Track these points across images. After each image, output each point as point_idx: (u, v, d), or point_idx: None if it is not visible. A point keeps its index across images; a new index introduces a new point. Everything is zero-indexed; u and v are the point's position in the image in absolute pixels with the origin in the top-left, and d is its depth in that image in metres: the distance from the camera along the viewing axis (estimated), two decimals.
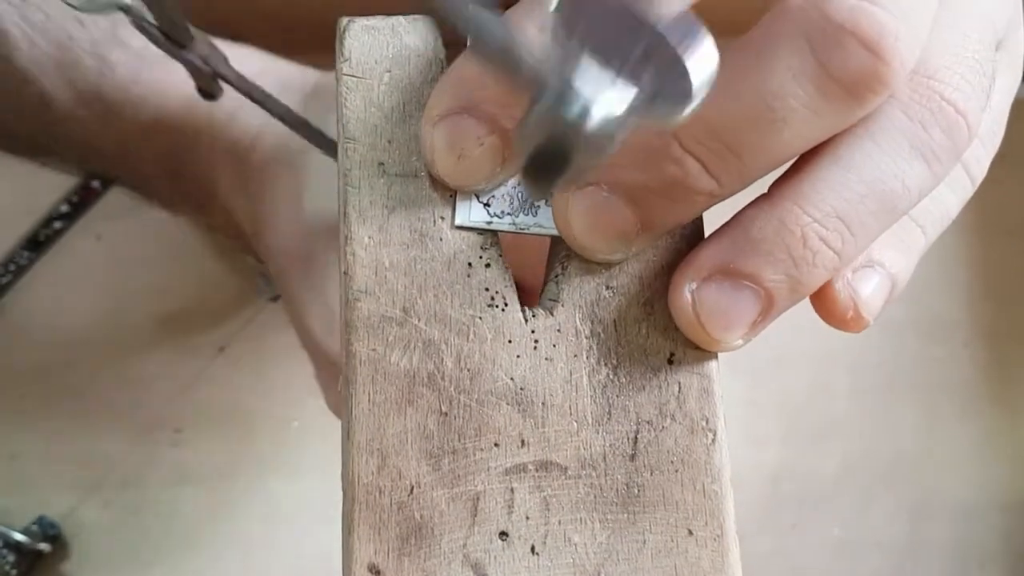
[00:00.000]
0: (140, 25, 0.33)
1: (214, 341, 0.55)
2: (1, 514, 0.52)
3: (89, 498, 0.53)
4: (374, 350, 0.25)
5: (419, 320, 0.25)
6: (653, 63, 0.19)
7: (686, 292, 0.24)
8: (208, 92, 0.37)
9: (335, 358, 0.40)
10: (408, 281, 0.25)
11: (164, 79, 0.41)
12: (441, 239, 0.25)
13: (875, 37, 0.22)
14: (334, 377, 0.41)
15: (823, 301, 0.25)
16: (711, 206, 0.24)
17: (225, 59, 0.35)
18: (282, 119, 0.35)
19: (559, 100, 0.19)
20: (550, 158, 0.20)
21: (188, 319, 0.55)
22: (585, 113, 0.19)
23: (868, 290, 0.25)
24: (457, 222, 0.25)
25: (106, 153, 0.44)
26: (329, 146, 0.36)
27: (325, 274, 0.39)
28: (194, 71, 0.35)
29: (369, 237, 0.25)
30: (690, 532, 0.24)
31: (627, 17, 0.19)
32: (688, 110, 0.20)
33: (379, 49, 0.26)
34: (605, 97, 0.19)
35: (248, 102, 0.37)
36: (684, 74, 0.19)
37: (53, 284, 0.54)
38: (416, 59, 0.26)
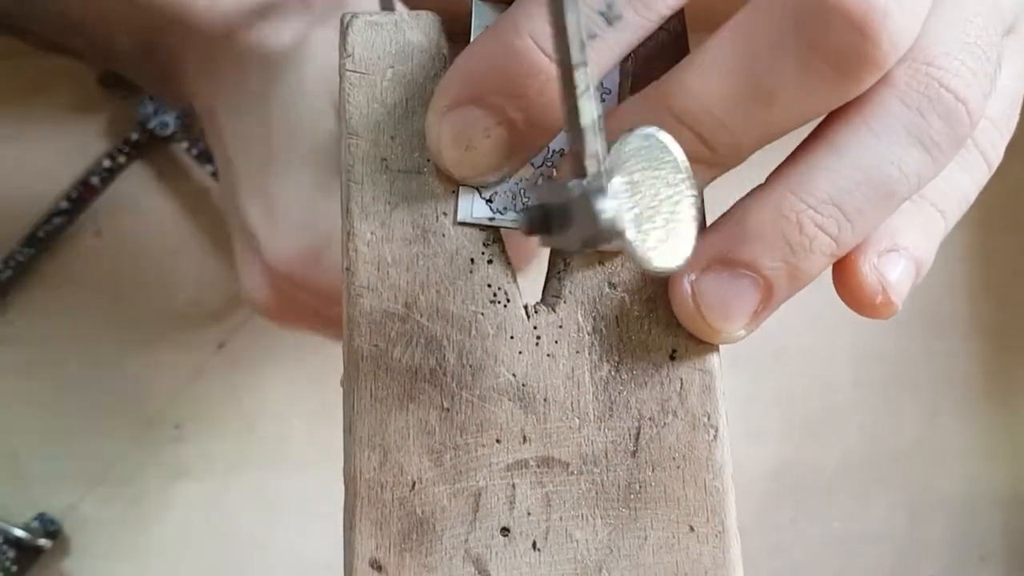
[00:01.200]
0: None
1: (214, 337, 0.55)
2: (1, 510, 0.52)
3: (89, 494, 0.53)
4: (376, 346, 0.25)
5: (421, 316, 0.25)
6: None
7: (685, 283, 0.24)
8: None
9: (274, 258, 0.39)
10: (410, 277, 0.25)
11: None
12: (444, 235, 0.25)
13: (860, 15, 0.21)
14: (263, 273, 0.41)
15: (851, 288, 0.25)
16: (712, 177, 0.24)
17: None
18: None
19: (595, 190, 0.20)
20: (550, 220, 0.22)
21: (188, 315, 0.55)
22: (612, 223, 0.20)
23: (895, 274, 0.25)
24: (459, 218, 0.25)
25: (85, 28, 0.44)
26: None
27: (279, 174, 0.39)
28: None
29: (372, 233, 0.25)
30: (691, 528, 0.25)
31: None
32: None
33: (382, 45, 0.26)
34: (627, 213, 0.20)
35: None
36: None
37: (53, 280, 0.54)
38: (419, 55, 0.26)
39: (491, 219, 0.25)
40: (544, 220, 0.22)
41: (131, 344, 0.55)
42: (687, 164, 0.21)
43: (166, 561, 0.53)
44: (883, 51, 0.22)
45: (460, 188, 0.25)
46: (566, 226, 0.21)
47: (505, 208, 0.25)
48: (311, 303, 0.40)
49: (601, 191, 0.20)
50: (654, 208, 0.21)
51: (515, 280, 0.25)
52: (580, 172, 0.20)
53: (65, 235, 0.54)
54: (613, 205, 0.20)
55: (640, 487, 0.25)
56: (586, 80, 0.20)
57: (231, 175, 0.42)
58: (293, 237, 0.39)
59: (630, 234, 0.21)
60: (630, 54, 0.24)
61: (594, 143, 0.20)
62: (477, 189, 0.25)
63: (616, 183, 0.20)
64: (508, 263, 0.25)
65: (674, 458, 0.25)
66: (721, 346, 0.26)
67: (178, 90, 0.45)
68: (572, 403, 0.25)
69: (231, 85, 0.42)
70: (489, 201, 0.25)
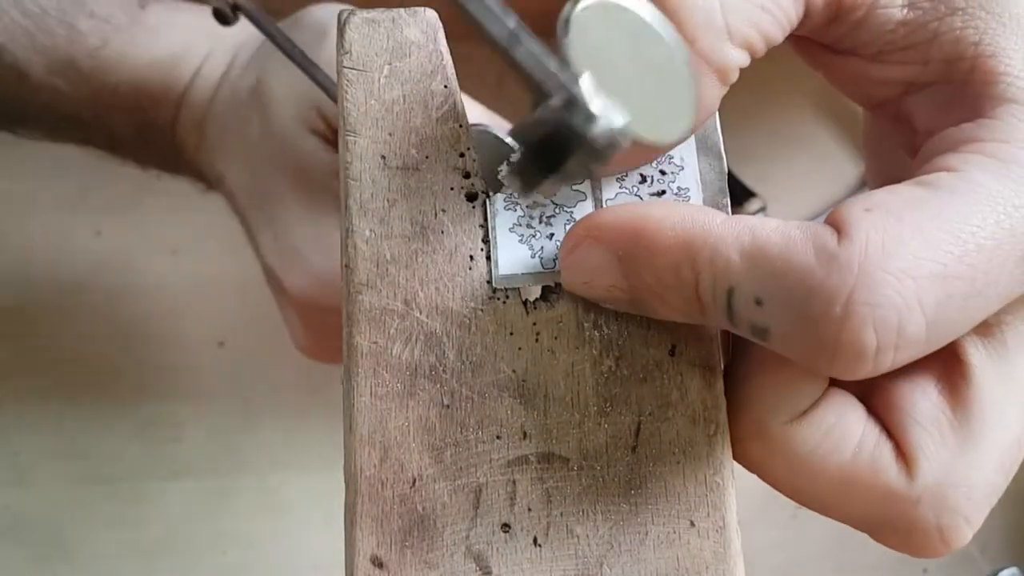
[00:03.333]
0: None
1: (214, 336, 0.55)
2: (2, 511, 0.52)
3: (91, 493, 0.53)
4: (375, 343, 0.25)
5: (421, 313, 0.25)
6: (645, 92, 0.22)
7: None
8: (223, 16, 0.39)
9: (292, 289, 0.41)
10: (409, 274, 0.25)
11: (130, 42, 0.43)
12: (442, 232, 0.25)
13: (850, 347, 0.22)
14: (295, 312, 0.42)
15: None
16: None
17: None
18: (289, 55, 0.37)
19: (569, 104, 0.21)
20: (547, 155, 0.22)
21: (188, 314, 0.55)
22: (592, 120, 0.21)
23: None
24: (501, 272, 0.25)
25: (81, 119, 0.45)
26: (330, 85, 0.38)
27: (276, 209, 0.41)
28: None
29: (371, 230, 0.25)
30: (692, 523, 0.25)
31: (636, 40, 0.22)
32: (677, 136, 0.23)
33: (380, 41, 0.26)
34: (606, 111, 0.21)
35: (214, 52, 0.41)
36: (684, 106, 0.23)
37: (53, 280, 0.54)
38: (417, 51, 0.26)
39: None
40: (537, 158, 0.22)
41: (131, 343, 0.55)
42: (653, 13, 0.22)
43: (167, 560, 0.53)
44: (853, 370, 0.22)
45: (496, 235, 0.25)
46: (562, 162, 0.22)
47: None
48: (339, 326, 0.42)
49: (587, 117, 0.21)
50: (638, 80, 0.22)
51: None
52: (543, 99, 0.21)
53: (65, 234, 0.54)
54: (604, 122, 0.21)
55: (640, 482, 0.25)
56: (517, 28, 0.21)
57: (252, 235, 0.43)
58: (301, 266, 0.40)
59: (634, 130, 0.21)
60: None
61: (548, 71, 0.21)
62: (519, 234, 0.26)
63: (589, 91, 0.21)
64: None
65: (674, 453, 0.25)
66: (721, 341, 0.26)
67: (187, 166, 0.46)
68: (572, 399, 0.25)
69: (224, 144, 0.43)
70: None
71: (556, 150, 0.22)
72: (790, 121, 0.62)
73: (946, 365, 0.24)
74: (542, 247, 0.25)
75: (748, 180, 0.61)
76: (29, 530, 0.52)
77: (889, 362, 0.22)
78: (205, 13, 0.44)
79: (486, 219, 0.25)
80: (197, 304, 0.55)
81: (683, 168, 0.26)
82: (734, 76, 0.24)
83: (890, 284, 0.21)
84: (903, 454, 0.24)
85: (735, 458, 0.25)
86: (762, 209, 0.60)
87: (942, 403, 0.24)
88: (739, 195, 0.60)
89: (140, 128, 0.45)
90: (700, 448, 0.25)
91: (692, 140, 0.26)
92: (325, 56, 0.40)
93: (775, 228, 0.22)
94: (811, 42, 0.27)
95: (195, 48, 0.44)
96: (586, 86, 0.21)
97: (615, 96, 0.21)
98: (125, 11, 0.44)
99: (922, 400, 0.24)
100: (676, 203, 0.25)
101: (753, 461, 0.25)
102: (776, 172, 0.61)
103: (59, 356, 0.54)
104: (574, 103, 0.21)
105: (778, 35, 0.25)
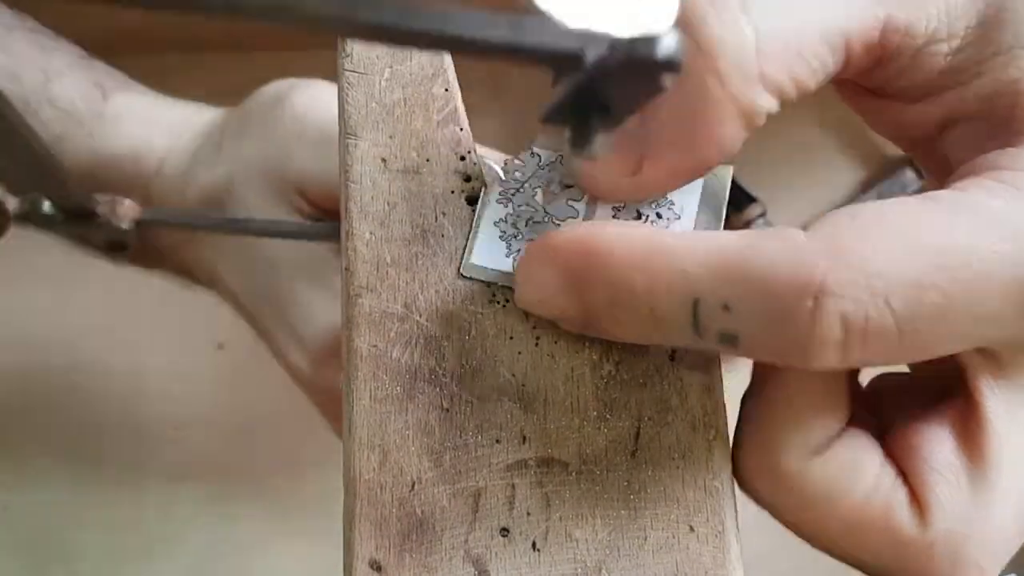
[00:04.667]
0: (47, 225, 0.33)
1: (213, 338, 0.55)
2: (2, 511, 0.52)
3: (89, 494, 0.53)
4: (375, 346, 0.25)
5: (420, 316, 0.25)
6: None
7: None
8: (119, 245, 0.37)
9: (319, 384, 0.41)
10: (410, 277, 0.25)
11: (91, 134, 0.43)
12: (443, 235, 0.25)
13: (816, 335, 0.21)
14: (326, 402, 0.42)
15: None
16: None
17: (134, 207, 0.35)
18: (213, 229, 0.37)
19: (619, 44, 0.19)
20: (602, 108, 0.20)
21: (187, 316, 0.55)
22: (655, 40, 0.19)
23: None
24: (473, 261, 0.25)
25: None
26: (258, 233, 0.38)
27: (285, 302, 0.41)
28: (108, 231, 0.35)
29: (371, 233, 0.25)
30: (691, 528, 0.24)
31: None
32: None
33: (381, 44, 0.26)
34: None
35: (174, 149, 0.40)
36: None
37: (53, 281, 0.54)
38: (418, 55, 0.26)
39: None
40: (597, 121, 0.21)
41: (131, 345, 0.55)
42: None
43: (165, 562, 0.53)
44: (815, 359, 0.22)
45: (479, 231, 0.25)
46: (627, 100, 0.20)
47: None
48: None
49: (650, 41, 0.19)
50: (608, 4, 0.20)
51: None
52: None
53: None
54: (664, 39, 0.19)
55: (640, 487, 0.25)
56: None
57: (265, 335, 0.43)
58: (311, 347, 0.40)
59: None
60: None
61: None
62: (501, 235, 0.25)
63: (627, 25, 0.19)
64: None
65: (674, 458, 0.25)
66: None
67: (172, 267, 0.46)
68: (571, 403, 0.25)
69: (207, 241, 0.43)
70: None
71: (609, 96, 0.20)
72: (792, 126, 0.62)
73: (961, 410, 0.24)
74: (519, 250, 0.25)
75: (748, 185, 0.61)
76: (28, 531, 0.52)
77: (856, 356, 0.21)
78: (168, 102, 0.44)
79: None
80: (197, 306, 0.55)
81: (680, 217, 0.25)
82: (760, 121, 0.24)
83: (858, 282, 0.21)
84: (917, 499, 0.24)
85: (747, 494, 0.25)
86: (763, 214, 0.60)
87: (957, 449, 0.24)
88: (740, 200, 0.60)
89: None
90: (699, 453, 0.25)
91: (697, 191, 0.26)
92: (281, 126, 0.39)
93: (738, 236, 0.22)
94: (852, 84, 0.26)
95: (157, 140, 0.43)
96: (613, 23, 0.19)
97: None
98: (87, 102, 0.43)
99: (938, 445, 0.24)
100: (630, 223, 0.25)
101: (766, 498, 0.25)
102: (777, 177, 0.61)
103: (58, 357, 0.54)
104: (629, 40, 0.19)
105: (811, 84, 0.24)
